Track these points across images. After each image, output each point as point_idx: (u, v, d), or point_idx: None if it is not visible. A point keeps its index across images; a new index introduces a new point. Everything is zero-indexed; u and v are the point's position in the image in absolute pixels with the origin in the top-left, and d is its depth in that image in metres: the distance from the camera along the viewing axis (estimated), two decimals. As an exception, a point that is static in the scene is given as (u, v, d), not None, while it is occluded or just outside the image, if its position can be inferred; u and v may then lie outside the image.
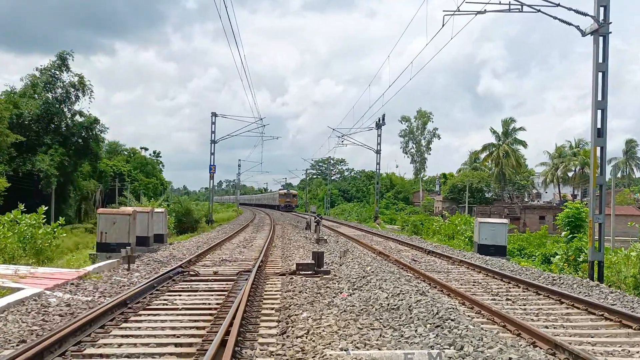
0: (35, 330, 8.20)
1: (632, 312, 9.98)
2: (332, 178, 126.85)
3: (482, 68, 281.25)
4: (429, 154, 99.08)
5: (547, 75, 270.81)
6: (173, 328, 8.56)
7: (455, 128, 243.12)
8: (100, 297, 11.03)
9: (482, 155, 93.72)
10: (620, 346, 8.22)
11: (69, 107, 55.99)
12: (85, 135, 56.57)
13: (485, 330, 8.09)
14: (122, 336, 8.06)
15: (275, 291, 11.85)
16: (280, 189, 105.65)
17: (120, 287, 12.17)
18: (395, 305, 9.59)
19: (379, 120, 55.41)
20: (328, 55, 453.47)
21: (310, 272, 14.17)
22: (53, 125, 55.06)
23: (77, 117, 56.84)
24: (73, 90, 55.29)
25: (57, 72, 54.68)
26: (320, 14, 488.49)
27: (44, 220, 19.90)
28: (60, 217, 22.41)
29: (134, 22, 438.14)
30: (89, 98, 56.22)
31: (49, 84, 54.55)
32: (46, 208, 20.84)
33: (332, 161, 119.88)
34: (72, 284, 12.25)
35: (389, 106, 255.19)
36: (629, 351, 7.94)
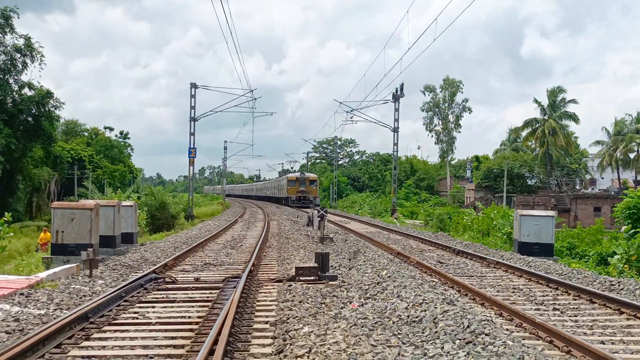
0: (-23, 350, 8.23)
1: None
2: (340, 163, 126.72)
3: (526, 25, 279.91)
4: (459, 131, 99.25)
5: (607, 34, 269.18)
6: (145, 347, 8.57)
7: (492, 100, 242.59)
8: (56, 309, 11.05)
9: (524, 134, 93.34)
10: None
11: (15, 77, 55.82)
12: (35, 113, 56.43)
13: (528, 347, 8.09)
14: (83, 357, 8.07)
15: (270, 301, 11.87)
16: (289, 173, 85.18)
17: (81, 298, 12.19)
18: (416, 317, 9.60)
19: (397, 90, 55.21)
20: (336, 12, 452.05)
21: (312, 278, 14.17)
22: (-5, 101, 54.99)
23: (26, 90, 56.72)
24: (19, 56, 55.02)
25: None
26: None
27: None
28: (7, 213, 22.47)
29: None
30: (40, 65, 56.02)
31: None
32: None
33: (339, 142, 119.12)
34: (22, 294, 12.27)
35: (409, 74, 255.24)
36: None
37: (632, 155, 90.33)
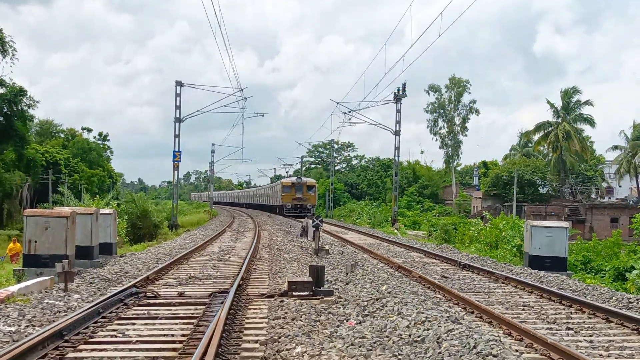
0: (-59, 371, 8.21)
1: None
2: (337, 168, 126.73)
3: (540, 20, 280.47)
4: (465, 135, 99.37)
5: (626, 30, 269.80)
6: (124, 368, 8.56)
7: (502, 101, 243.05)
8: (28, 326, 11.03)
9: (536, 138, 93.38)
10: None
11: (-16, 73, 55.71)
12: (7, 112, 56.39)
13: (539, 370, 8.11)
14: (57, 378, 8.06)
15: (261, 318, 11.86)
16: (284, 178, 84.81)
17: (55, 314, 12.16)
18: (419, 337, 9.61)
19: (398, 90, 55.23)
20: (335, 4, 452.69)
21: (306, 293, 14.17)
22: (-38, 99, 54.88)
23: (-3, 88, 56.62)
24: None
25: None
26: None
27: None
28: (-25, 221, 22.42)
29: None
30: (11, 60, 55.93)
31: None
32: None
33: (336, 146, 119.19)
34: (-9, 309, 12.25)
35: (413, 72, 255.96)
36: None
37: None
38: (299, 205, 70.08)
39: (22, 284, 15.31)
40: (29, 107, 58.23)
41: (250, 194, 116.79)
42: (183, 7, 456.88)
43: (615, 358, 9.74)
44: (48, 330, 9.78)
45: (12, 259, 27.62)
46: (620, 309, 13.36)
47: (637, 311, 13.43)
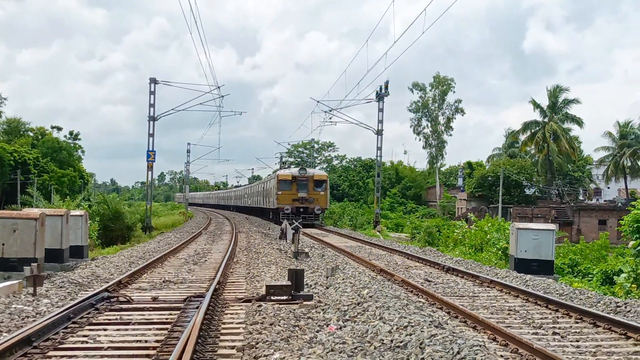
0: None
1: None
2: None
3: (530, 17, 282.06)
4: (450, 134, 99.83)
5: (618, 28, 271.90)
6: (95, 375, 8.53)
7: (490, 100, 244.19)
8: (-6, 332, 10.97)
9: (522, 138, 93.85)
10: None
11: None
12: (-27, 110, 56.04)
13: (524, 376, 8.16)
14: (25, 386, 8.02)
15: (238, 323, 11.86)
16: (281, 169, 65.37)
17: (23, 319, 12.10)
18: (401, 342, 9.63)
19: (381, 89, 55.30)
20: (318, 1, 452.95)
21: (285, 298, 14.18)
22: None
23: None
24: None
25: None
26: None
27: None
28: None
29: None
30: None
31: None
32: None
33: (316, 145, 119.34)
34: (-44, 314, 12.18)
35: (398, 70, 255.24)
36: None
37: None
38: (302, 210, 51.72)
39: (-11, 289, 15.22)
40: (-4, 105, 57.90)
41: (238, 194, 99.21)
42: (161, 2, 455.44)
43: (603, 363, 9.81)
44: (16, 336, 9.73)
45: None
46: (607, 313, 13.45)
47: (625, 315, 13.52)
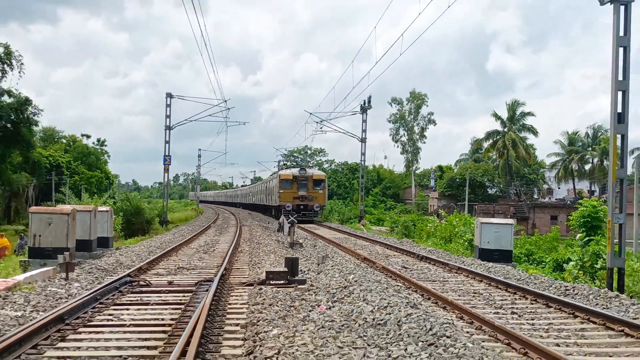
0: (-46, 351, 8.11)
1: (657, 327, 10.10)
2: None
3: (492, 41, 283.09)
4: (423, 142, 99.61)
5: (569, 50, 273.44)
6: (119, 348, 8.50)
7: (458, 112, 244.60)
8: (32, 311, 10.93)
9: (486, 145, 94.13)
10: (642, 366, 8.34)
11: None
12: (14, 119, 55.82)
13: (487, 349, 8.16)
14: (58, 357, 7.99)
15: (241, 304, 11.83)
16: (283, 169, 59.53)
17: (57, 300, 12.06)
18: (381, 320, 9.63)
19: (364, 102, 55.39)
20: (312, 25, 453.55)
21: (282, 282, 14.17)
22: (-26, 108, 54.26)
23: (5, 98, 56.10)
24: (-1, 63, 54.42)
25: (-23, 42, 53.72)
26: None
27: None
28: (-15, 218, 22.18)
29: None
30: (19, 73, 55.42)
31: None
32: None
33: (309, 151, 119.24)
34: (-1, 296, 12.13)
35: (381, 86, 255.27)
36: (652, 372, 8.05)
37: (587, 167, 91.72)
38: (302, 207, 49.44)
39: (28, 274, 15.20)
40: (34, 115, 57.60)
41: (244, 192, 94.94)
42: (175, 27, 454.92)
43: (554, 339, 9.82)
44: (51, 315, 9.70)
45: (0, 254, 26.38)
46: (558, 296, 13.46)
47: (573, 298, 13.55)
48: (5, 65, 54.73)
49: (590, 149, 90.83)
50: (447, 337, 8.53)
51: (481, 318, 10.59)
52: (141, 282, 14.35)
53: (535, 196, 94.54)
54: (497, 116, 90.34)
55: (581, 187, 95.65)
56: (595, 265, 21.23)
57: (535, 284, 15.88)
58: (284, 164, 74.40)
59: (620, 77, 16.79)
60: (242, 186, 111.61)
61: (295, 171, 51.08)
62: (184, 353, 7.56)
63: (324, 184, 50.89)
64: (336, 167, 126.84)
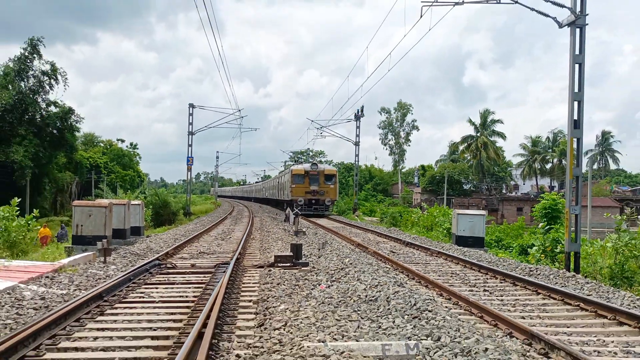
0: (9, 324, 8.11)
1: (608, 302, 10.11)
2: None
3: (467, 59, 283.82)
4: (408, 145, 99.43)
5: (532, 67, 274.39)
6: (150, 321, 8.51)
7: (438, 120, 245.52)
8: (75, 290, 10.95)
9: (461, 147, 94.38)
10: (595, 336, 8.34)
11: (43, 97, 55.34)
12: (60, 126, 55.98)
13: (462, 321, 8.17)
14: (98, 329, 8.00)
15: (253, 283, 11.83)
16: (295, 165, 55.16)
17: (96, 280, 12.08)
18: (373, 297, 9.63)
19: (358, 112, 55.57)
20: (313, 46, 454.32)
21: (288, 264, 14.17)
22: (27, 116, 54.40)
23: (52, 108, 56.21)
24: (46, 78, 54.57)
25: (29, 60, 53.84)
26: (307, 2, 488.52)
27: (17, 213, 19.65)
28: (35, 209, 22.18)
29: (118, 11, 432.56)
30: (64, 86, 55.55)
31: (21, 72, 53.73)
32: (19, 200, 20.44)
33: (310, 153, 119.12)
34: (47, 277, 12.14)
35: (373, 97, 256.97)
36: (604, 341, 8.05)
37: (548, 166, 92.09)
38: (314, 201, 44.57)
39: (71, 258, 15.24)
40: (76, 122, 57.74)
41: (259, 187, 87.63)
42: (197, 47, 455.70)
43: (520, 312, 9.82)
44: (91, 292, 9.71)
45: (42, 242, 25.91)
46: (523, 276, 13.47)
47: (536, 277, 13.55)
48: (52, 80, 54.90)
49: (550, 150, 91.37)
50: (429, 311, 8.53)
51: (458, 295, 10.59)
52: (168, 265, 14.35)
53: (504, 191, 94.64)
54: (471, 122, 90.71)
55: (543, 183, 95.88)
56: (555, 250, 21.21)
57: (504, 265, 15.89)
58: (295, 162, 69.96)
59: (576, 89, 16.78)
60: (256, 182, 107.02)
61: (307, 166, 45.83)
62: (204, 325, 7.56)
63: (335, 179, 45.80)
64: (334, 166, 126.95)
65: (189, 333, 7.35)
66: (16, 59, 53.83)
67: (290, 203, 43.40)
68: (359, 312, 8.75)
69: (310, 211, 43.40)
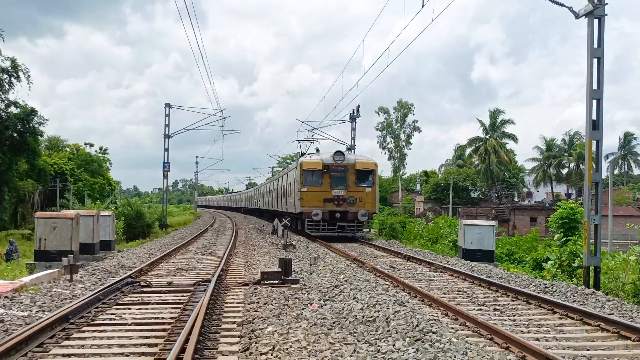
0: (-37, 350, 8.05)
1: (631, 322, 10.13)
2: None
3: (476, 53, 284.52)
4: (409, 149, 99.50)
5: (547, 61, 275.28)
6: (121, 346, 8.48)
7: (443, 121, 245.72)
8: (38, 311, 10.88)
9: (468, 151, 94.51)
10: (618, 359, 8.36)
11: (2, 96, 55.01)
12: (20, 129, 55.64)
13: (470, 344, 8.17)
14: (64, 355, 7.96)
15: (237, 303, 11.81)
16: (307, 155, 34.82)
17: (62, 301, 12.01)
18: (371, 317, 9.63)
19: (353, 111, 55.36)
20: (305, 39, 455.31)
21: (276, 282, 14.15)
22: (-17, 118, 54.05)
23: (12, 109, 55.93)
24: (6, 76, 54.27)
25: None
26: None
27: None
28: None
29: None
30: (28, 85, 55.27)
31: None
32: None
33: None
34: (6, 297, 12.05)
35: (370, 96, 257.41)
36: (627, 365, 8.07)
37: (564, 171, 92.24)
38: (339, 215, 30.67)
39: (34, 275, 15.15)
40: (39, 125, 57.44)
41: (250, 195, 76.19)
42: (175, 41, 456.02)
43: (534, 334, 9.84)
44: (56, 314, 9.66)
45: None
46: (538, 293, 13.49)
47: (552, 295, 13.58)
48: (13, 78, 54.64)
49: (567, 154, 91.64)
50: (433, 332, 8.53)
51: (465, 315, 10.60)
52: (142, 283, 14.30)
53: (516, 199, 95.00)
54: (481, 123, 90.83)
55: (558, 190, 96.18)
56: (572, 264, 21.26)
57: (516, 282, 15.91)
58: (283, 168, 56.46)
59: (595, 87, 16.87)
60: (246, 189, 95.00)
61: (326, 157, 31.67)
62: (183, 350, 7.55)
63: (374, 178, 31.92)
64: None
65: (165, 359, 7.32)
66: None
67: (299, 217, 32.96)
68: (355, 334, 8.74)
69: (333, 231, 30.82)
